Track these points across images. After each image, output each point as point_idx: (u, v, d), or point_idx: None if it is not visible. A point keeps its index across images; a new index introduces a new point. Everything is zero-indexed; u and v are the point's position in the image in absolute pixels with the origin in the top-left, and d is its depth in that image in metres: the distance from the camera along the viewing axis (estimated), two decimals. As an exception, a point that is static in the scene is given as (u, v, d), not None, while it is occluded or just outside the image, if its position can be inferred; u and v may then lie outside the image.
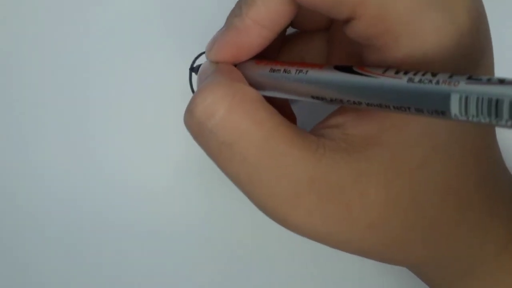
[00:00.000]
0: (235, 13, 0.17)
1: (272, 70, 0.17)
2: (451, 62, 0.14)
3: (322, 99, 0.15)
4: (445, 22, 0.14)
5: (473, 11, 0.14)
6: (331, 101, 0.15)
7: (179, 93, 0.25)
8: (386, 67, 0.14)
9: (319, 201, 0.15)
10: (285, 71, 0.16)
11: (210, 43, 0.18)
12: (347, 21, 0.15)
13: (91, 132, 0.26)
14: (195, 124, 0.15)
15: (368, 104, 0.14)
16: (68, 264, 0.26)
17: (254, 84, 0.17)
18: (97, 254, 0.26)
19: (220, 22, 0.24)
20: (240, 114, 0.15)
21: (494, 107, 0.10)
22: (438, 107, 0.12)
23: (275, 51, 0.21)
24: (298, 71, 0.16)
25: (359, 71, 0.14)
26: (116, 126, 0.25)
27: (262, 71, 0.17)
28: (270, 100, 0.18)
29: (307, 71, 0.15)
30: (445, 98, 0.11)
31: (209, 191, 0.26)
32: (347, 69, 0.14)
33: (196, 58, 0.24)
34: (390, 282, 0.25)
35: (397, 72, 0.13)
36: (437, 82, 0.12)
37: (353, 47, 0.18)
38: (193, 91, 0.24)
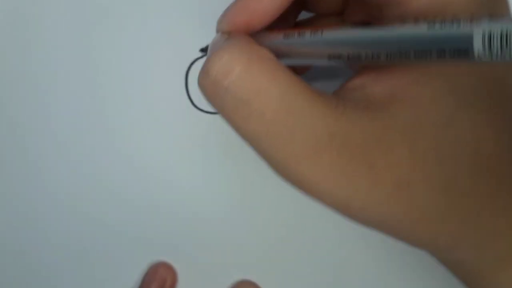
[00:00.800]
0: None
1: (286, 36, 0.16)
2: (469, 9, 0.14)
3: (339, 57, 0.14)
4: None
5: None
6: (349, 59, 0.14)
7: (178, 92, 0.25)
8: (404, 19, 0.13)
9: (340, 158, 0.14)
10: (299, 34, 0.16)
11: (222, 14, 0.17)
12: None
13: (94, 133, 0.26)
14: (210, 83, 0.14)
15: (387, 56, 0.13)
16: (78, 265, 0.26)
17: (271, 45, 0.17)
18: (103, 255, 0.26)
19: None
20: (257, 71, 0.14)
21: None
22: (461, 47, 0.11)
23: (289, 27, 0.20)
24: (313, 33, 0.15)
25: (377, 25, 0.14)
26: (120, 124, 0.25)
27: (275, 38, 0.16)
28: None
29: (322, 32, 0.15)
30: (469, 38, 0.11)
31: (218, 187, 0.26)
32: (364, 25, 0.14)
33: (192, 63, 0.24)
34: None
35: (416, 22, 0.13)
36: (458, 25, 0.12)
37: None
38: (189, 95, 0.24)
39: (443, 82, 0.14)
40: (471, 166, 0.14)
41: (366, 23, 0.14)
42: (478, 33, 0.11)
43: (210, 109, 0.25)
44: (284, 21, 0.18)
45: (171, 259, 0.25)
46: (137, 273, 0.25)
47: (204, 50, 0.21)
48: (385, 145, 0.14)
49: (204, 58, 0.25)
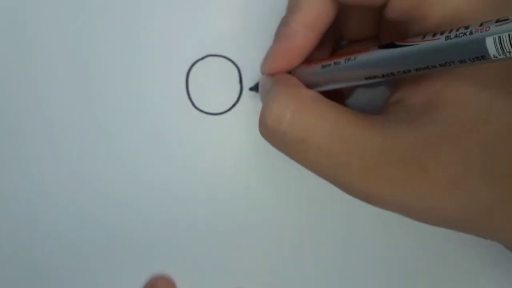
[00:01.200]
0: (282, 24, 0.18)
1: (323, 66, 0.18)
2: (482, 18, 0.15)
3: (375, 77, 0.16)
4: None
5: None
6: (383, 76, 0.16)
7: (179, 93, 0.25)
8: (425, 33, 0.15)
9: (395, 170, 0.15)
10: (335, 63, 0.17)
11: (264, 57, 0.20)
12: (385, 5, 0.16)
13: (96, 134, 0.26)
14: (269, 132, 0.17)
15: (417, 70, 0.15)
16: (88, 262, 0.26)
17: (310, 84, 0.19)
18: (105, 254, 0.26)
19: (222, 24, 0.25)
20: (304, 113, 0.16)
21: None
22: (477, 54, 0.13)
23: (326, 55, 0.22)
24: (347, 60, 0.17)
25: (401, 43, 0.15)
26: (119, 125, 0.26)
27: (314, 69, 0.18)
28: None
29: (355, 58, 0.17)
30: (481, 43, 0.12)
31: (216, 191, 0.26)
32: (390, 45, 0.15)
33: (193, 65, 0.24)
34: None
35: (434, 35, 0.14)
36: (471, 32, 0.13)
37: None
38: (190, 97, 0.24)
39: (474, 80, 0.15)
40: None
41: (392, 43, 0.16)
42: (489, 39, 0.12)
43: (211, 110, 0.25)
44: (323, 51, 0.20)
45: (170, 262, 0.25)
46: (135, 276, 0.25)
47: (253, 88, 0.23)
48: (432, 149, 0.15)
49: (205, 61, 0.25)
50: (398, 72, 0.15)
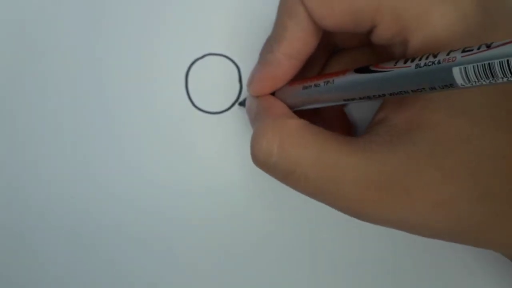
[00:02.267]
0: (267, 50, 0.19)
1: (305, 87, 0.19)
2: (460, 40, 0.16)
3: (352, 99, 0.17)
4: (450, 9, 0.16)
5: None
6: (360, 99, 0.17)
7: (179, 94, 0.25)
8: (397, 59, 0.15)
9: (380, 195, 0.16)
10: (315, 85, 0.18)
11: (249, 78, 0.21)
12: (370, 31, 0.17)
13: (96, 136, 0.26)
14: (261, 164, 0.18)
15: (391, 94, 0.15)
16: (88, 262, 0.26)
17: (294, 104, 0.20)
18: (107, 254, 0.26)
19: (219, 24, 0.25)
20: (290, 146, 0.17)
21: (488, 70, 0.12)
22: (446, 82, 0.13)
23: (317, 68, 0.23)
24: (326, 83, 0.18)
25: (375, 68, 0.16)
26: (119, 126, 0.26)
27: (296, 91, 0.19)
28: (325, 111, 0.22)
29: (333, 80, 0.17)
30: (449, 72, 0.13)
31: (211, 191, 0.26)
32: (365, 70, 0.16)
33: (192, 64, 0.24)
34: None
35: (405, 62, 0.15)
36: (439, 62, 0.13)
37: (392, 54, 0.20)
38: (189, 95, 0.24)
39: (452, 104, 0.16)
40: (501, 172, 0.16)
41: (367, 68, 0.16)
42: (456, 71, 0.13)
43: (210, 109, 0.25)
44: (316, 63, 0.21)
45: (170, 262, 0.25)
46: (136, 276, 0.25)
47: (242, 104, 0.24)
48: (415, 171, 0.16)
49: (204, 60, 0.25)
50: (373, 95, 0.16)
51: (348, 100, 0.17)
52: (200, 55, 0.24)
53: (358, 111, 0.25)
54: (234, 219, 0.25)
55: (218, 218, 0.25)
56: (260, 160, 0.18)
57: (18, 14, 0.25)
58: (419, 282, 0.24)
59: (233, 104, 0.24)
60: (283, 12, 0.18)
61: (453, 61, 0.13)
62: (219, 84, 0.24)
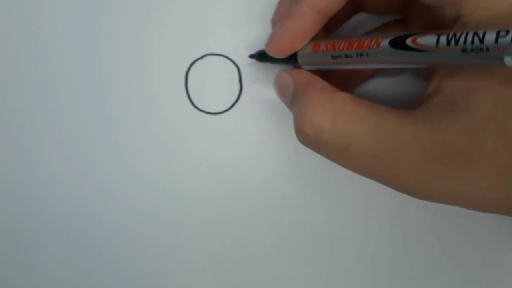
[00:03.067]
0: (291, 1, 0.18)
1: (334, 57, 0.18)
2: None
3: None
4: None
5: None
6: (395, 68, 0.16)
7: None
8: (439, 31, 0.14)
9: (443, 166, 0.15)
10: (346, 55, 0.17)
11: (269, 37, 0.19)
12: None
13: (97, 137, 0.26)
14: (310, 141, 0.17)
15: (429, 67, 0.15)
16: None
17: (317, 64, 0.19)
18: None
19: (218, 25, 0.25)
20: (344, 121, 0.16)
21: None
22: (495, 65, 0.13)
23: (337, 28, 0.22)
24: (358, 55, 0.17)
25: (414, 45, 0.15)
26: (120, 126, 0.26)
27: (323, 58, 0.18)
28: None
29: (367, 53, 0.16)
30: (499, 60, 0.13)
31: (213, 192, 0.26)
32: (402, 45, 0.15)
33: (192, 64, 0.24)
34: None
35: (449, 42, 0.14)
36: (488, 49, 0.13)
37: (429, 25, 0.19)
38: (189, 96, 0.24)
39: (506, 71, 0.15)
40: None
41: (404, 43, 0.15)
42: (508, 59, 0.12)
43: (210, 109, 0.25)
44: (335, 24, 0.20)
45: (170, 261, 0.25)
46: (137, 275, 0.25)
47: (253, 56, 0.23)
48: (477, 140, 0.15)
49: (204, 60, 0.25)
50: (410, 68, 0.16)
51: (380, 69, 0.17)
52: (200, 55, 0.24)
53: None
54: (234, 219, 0.25)
55: (218, 218, 0.25)
56: (310, 137, 0.17)
57: (18, 14, 0.25)
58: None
59: (233, 104, 0.24)
60: None
61: (504, 51, 0.12)
62: (219, 84, 0.24)
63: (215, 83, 0.24)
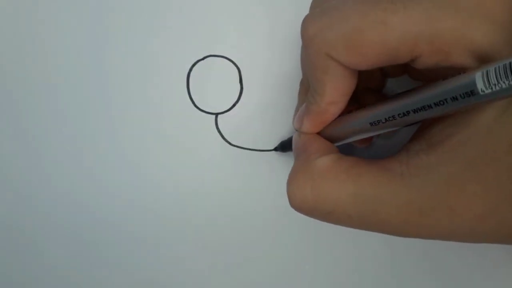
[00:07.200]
0: (311, 102, 0.19)
1: (372, 124, 0.18)
2: (500, 52, 0.15)
3: (378, 122, 0.18)
4: (489, 27, 0.15)
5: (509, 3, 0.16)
6: (386, 121, 0.17)
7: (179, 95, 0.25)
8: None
9: (425, 217, 0.16)
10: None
11: (297, 120, 0.20)
12: (412, 60, 0.17)
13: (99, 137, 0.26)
14: (299, 209, 0.18)
15: (414, 111, 0.16)
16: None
17: (344, 135, 0.20)
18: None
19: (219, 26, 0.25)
20: (323, 188, 0.17)
21: (508, 68, 0.13)
22: (467, 89, 0.14)
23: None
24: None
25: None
26: (121, 127, 0.26)
27: (360, 125, 0.19)
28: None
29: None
30: (471, 79, 0.14)
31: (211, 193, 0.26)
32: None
33: (194, 65, 0.25)
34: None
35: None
36: (464, 74, 0.14)
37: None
38: (190, 96, 0.25)
39: (490, 113, 0.16)
40: None
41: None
42: (478, 75, 0.13)
43: (211, 110, 0.25)
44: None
45: (170, 259, 0.25)
46: (137, 275, 0.25)
47: (277, 149, 0.24)
48: (456, 188, 0.16)
49: (205, 61, 0.25)
50: (398, 115, 0.16)
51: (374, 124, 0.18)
52: (201, 56, 0.25)
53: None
54: (234, 219, 0.25)
55: (218, 218, 0.25)
56: (296, 206, 0.18)
57: (23, 14, 0.26)
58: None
59: (234, 105, 0.25)
60: (314, 69, 0.17)
61: (476, 69, 0.14)
62: (220, 85, 0.25)
63: (216, 84, 0.25)
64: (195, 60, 0.25)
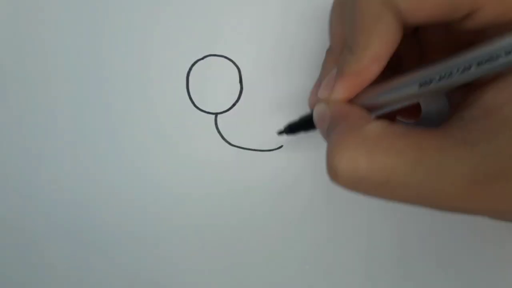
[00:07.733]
0: (348, 61, 0.17)
1: (381, 93, 0.18)
2: None
3: (430, 81, 0.16)
4: None
5: None
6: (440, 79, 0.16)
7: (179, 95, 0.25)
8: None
9: (489, 187, 0.15)
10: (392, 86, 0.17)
11: (325, 87, 0.19)
12: (466, 16, 0.15)
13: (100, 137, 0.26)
14: (345, 180, 0.16)
15: (478, 64, 0.15)
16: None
17: (375, 105, 0.18)
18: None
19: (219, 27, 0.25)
20: (380, 155, 0.15)
21: None
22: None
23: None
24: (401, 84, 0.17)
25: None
26: (122, 127, 0.26)
27: (373, 97, 0.18)
28: None
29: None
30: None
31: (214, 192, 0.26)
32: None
33: (193, 64, 0.25)
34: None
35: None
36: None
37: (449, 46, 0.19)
38: (190, 96, 0.25)
39: None
40: None
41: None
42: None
43: (211, 109, 0.25)
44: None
45: (170, 259, 0.26)
46: (137, 274, 0.26)
47: (282, 132, 0.22)
48: None
49: (205, 61, 0.25)
50: (457, 70, 0.15)
51: (425, 84, 0.16)
52: (201, 56, 0.25)
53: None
54: (235, 218, 0.25)
55: (219, 217, 0.25)
56: (344, 176, 0.16)
57: (22, 14, 0.26)
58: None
59: (234, 105, 0.25)
60: (363, 17, 0.16)
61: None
62: (219, 84, 0.25)
63: (216, 84, 0.25)
64: (194, 60, 0.25)
